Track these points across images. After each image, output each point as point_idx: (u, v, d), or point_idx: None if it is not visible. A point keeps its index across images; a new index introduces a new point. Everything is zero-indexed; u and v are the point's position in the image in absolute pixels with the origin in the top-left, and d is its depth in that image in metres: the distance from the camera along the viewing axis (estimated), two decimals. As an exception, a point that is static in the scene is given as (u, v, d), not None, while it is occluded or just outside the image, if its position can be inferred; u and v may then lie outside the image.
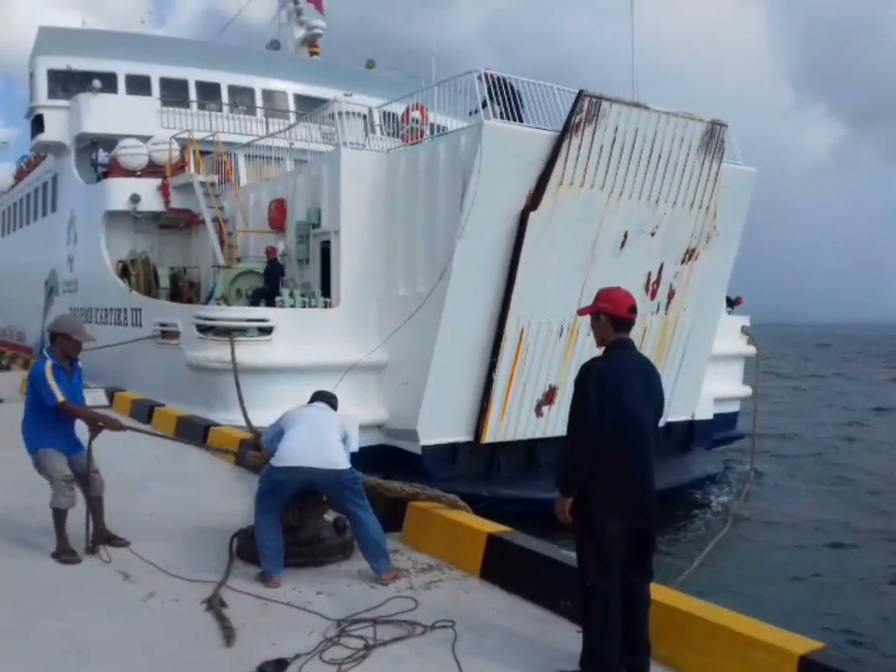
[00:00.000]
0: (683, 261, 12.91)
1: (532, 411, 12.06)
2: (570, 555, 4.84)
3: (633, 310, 4.01)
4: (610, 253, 12.00)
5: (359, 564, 5.69)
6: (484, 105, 11.12)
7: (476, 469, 11.86)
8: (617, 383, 3.80)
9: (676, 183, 12.25)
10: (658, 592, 4.27)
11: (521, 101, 11.61)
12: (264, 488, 5.48)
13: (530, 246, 11.16)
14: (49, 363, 5.65)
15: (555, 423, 12.30)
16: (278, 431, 5.63)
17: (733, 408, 16.73)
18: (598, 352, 4.10)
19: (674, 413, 13.90)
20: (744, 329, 16.93)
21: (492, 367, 11.52)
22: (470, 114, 11.79)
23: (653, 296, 12.82)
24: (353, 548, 5.84)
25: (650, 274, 12.62)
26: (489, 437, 11.75)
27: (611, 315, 3.95)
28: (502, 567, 5.29)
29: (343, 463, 5.45)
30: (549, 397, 12.15)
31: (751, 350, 16.85)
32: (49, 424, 5.69)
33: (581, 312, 4.15)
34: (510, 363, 11.61)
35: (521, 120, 11.44)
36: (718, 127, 12.41)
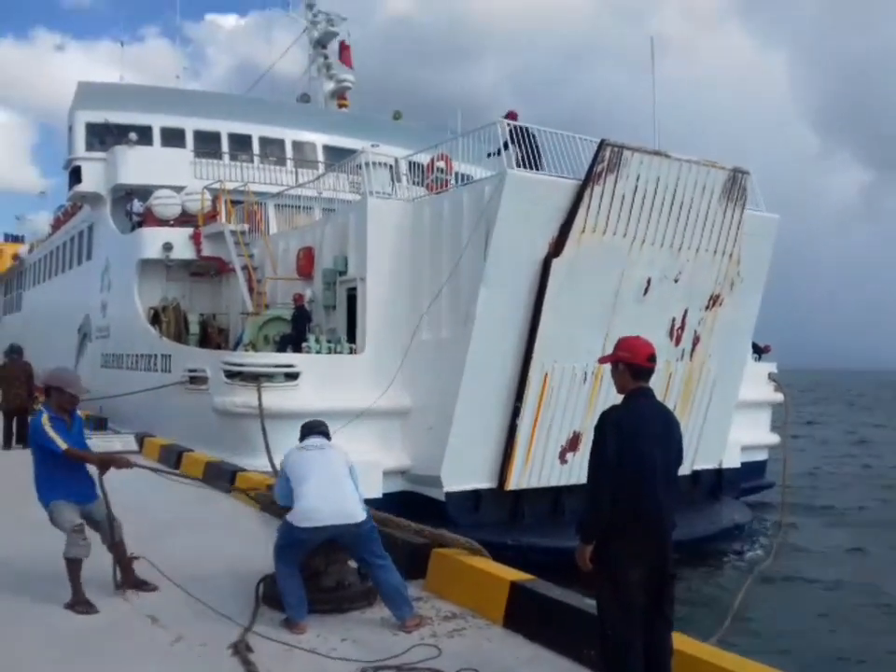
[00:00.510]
0: (707, 307, 12.93)
1: (556, 457, 12.04)
2: (594, 604, 4.84)
3: (652, 359, 4.07)
4: (634, 299, 12.07)
5: (383, 611, 5.70)
6: (506, 146, 11.34)
7: (500, 516, 11.81)
8: (634, 430, 3.86)
9: (698, 230, 12.34)
10: (682, 642, 4.25)
11: (538, 149, 11.80)
12: (283, 543, 5.44)
13: (553, 293, 11.27)
14: (45, 416, 5.73)
15: (580, 470, 12.20)
16: (286, 484, 5.59)
17: (761, 456, 16.54)
18: (620, 399, 4.17)
19: (701, 461, 13.81)
20: (771, 376, 16.80)
21: (516, 413, 11.55)
22: (489, 155, 12.08)
23: (678, 342, 12.82)
24: (377, 595, 5.86)
25: (674, 320, 12.66)
26: (513, 484, 11.72)
27: (630, 364, 4.03)
28: (526, 615, 5.27)
29: (361, 513, 5.44)
30: (573, 443, 12.13)
31: (779, 397, 16.70)
32: (59, 476, 5.73)
33: (602, 360, 4.25)
34: (533, 409, 11.63)
35: (538, 167, 11.62)
36: (740, 174, 12.53)
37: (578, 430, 12.13)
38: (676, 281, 12.40)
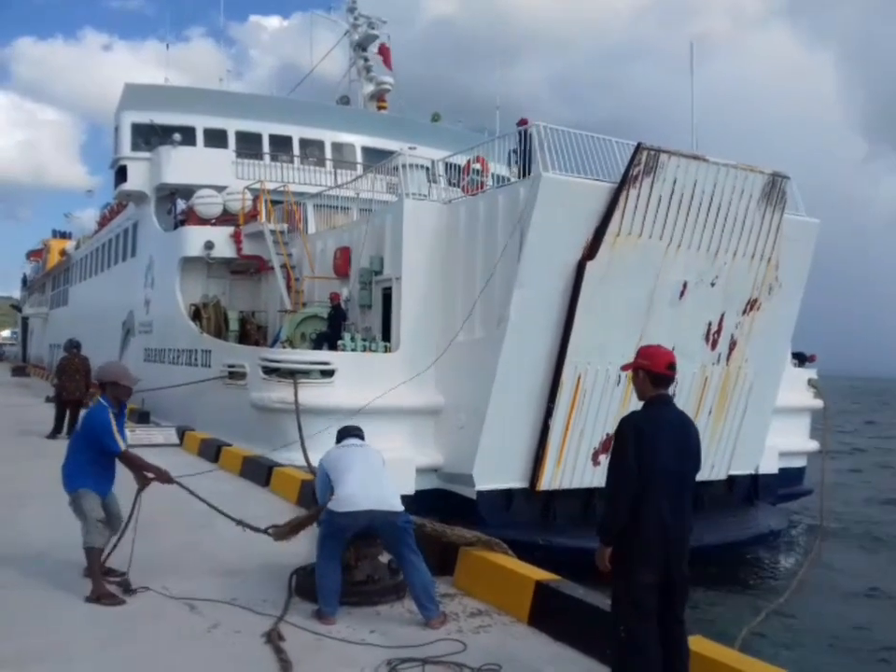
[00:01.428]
0: (745, 312, 12.84)
1: (589, 459, 12.06)
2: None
3: (671, 367, 4.15)
4: (669, 303, 12.03)
5: (411, 605, 5.82)
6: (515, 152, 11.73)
7: (531, 516, 11.87)
8: (653, 437, 3.97)
9: (736, 234, 12.26)
10: (707, 647, 4.31)
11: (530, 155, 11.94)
12: (326, 532, 5.61)
13: (587, 295, 11.30)
14: (110, 412, 5.90)
15: (612, 472, 12.25)
16: (326, 480, 5.79)
17: (799, 463, 16.33)
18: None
19: (737, 466, 13.71)
20: (811, 382, 16.57)
21: (548, 414, 11.60)
22: (509, 154, 12.56)
23: (714, 346, 12.75)
24: (405, 589, 5.98)
25: (710, 324, 12.59)
26: (545, 484, 11.78)
27: (649, 372, 4.12)
28: (550, 614, 5.36)
29: (399, 505, 5.62)
30: (606, 445, 12.12)
31: (818, 403, 16.47)
32: (93, 468, 5.90)
33: (624, 368, 4.35)
34: (566, 410, 11.67)
35: (529, 171, 11.77)
36: (779, 179, 12.41)
37: (610, 433, 12.10)
38: (712, 285, 12.34)
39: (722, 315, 12.60)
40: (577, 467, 12.00)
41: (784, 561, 13.05)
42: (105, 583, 5.87)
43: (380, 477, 5.76)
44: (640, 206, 11.38)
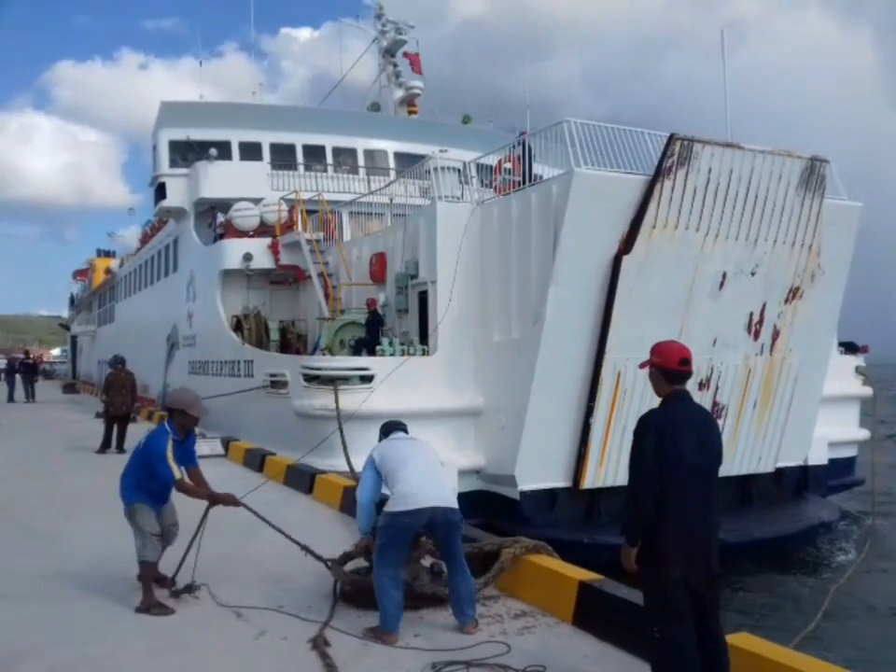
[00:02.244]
0: (787, 301, 12.58)
1: (632, 456, 11.90)
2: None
3: (684, 363, 4.11)
4: (709, 294, 11.84)
5: (454, 608, 5.82)
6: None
7: (576, 515, 11.78)
8: (673, 432, 3.93)
9: (775, 222, 12.02)
10: (758, 644, 4.24)
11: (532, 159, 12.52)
12: (387, 539, 5.29)
13: (625, 290, 11.18)
14: (170, 441, 5.92)
15: (657, 468, 12.11)
16: (376, 478, 5.54)
17: (849, 452, 15.95)
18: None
19: (784, 457, 13.46)
20: (858, 370, 16.18)
21: (589, 411, 11.51)
22: (514, 146, 13.22)
23: (756, 336, 12.52)
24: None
25: (751, 315, 12.36)
26: (588, 483, 11.68)
27: (662, 369, 4.11)
28: (594, 614, 5.32)
29: (456, 502, 5.44)
30: (649, 441, 11.97)
31: (867, 391, 16.06)
32: (149, 483, 5.95)
33: (641, 366, 4.30)
34: (607, 407, 11.56)
35: (531, 179, 12.22)
36: (818, 163, 12.14)
37: (653, 428, 11.97)
38: (752, 274, 12.11)
39: (764, 305, 12.37)
40: (620, 464, 11.85)
41: (837, 553, 12.73)
42: (157, 590, 5.96)
43: (438, 472, 5.58)
44: (676, 198, 11.23)
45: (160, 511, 6.08)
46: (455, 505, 5.38)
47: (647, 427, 3.98)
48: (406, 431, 6.00)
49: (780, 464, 13.45)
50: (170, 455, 5.84)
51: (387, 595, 5.26)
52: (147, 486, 5.98)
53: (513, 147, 13.52)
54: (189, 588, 6.13)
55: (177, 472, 5.86)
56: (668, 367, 4.10)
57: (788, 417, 13.18)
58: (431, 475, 5.43)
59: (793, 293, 12.60)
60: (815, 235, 12.41)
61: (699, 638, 3.87)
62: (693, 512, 3.92)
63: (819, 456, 14.29)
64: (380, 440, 5.92)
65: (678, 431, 3.94)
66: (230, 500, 6.14)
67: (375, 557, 5.39)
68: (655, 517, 3.88)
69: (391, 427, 6.00)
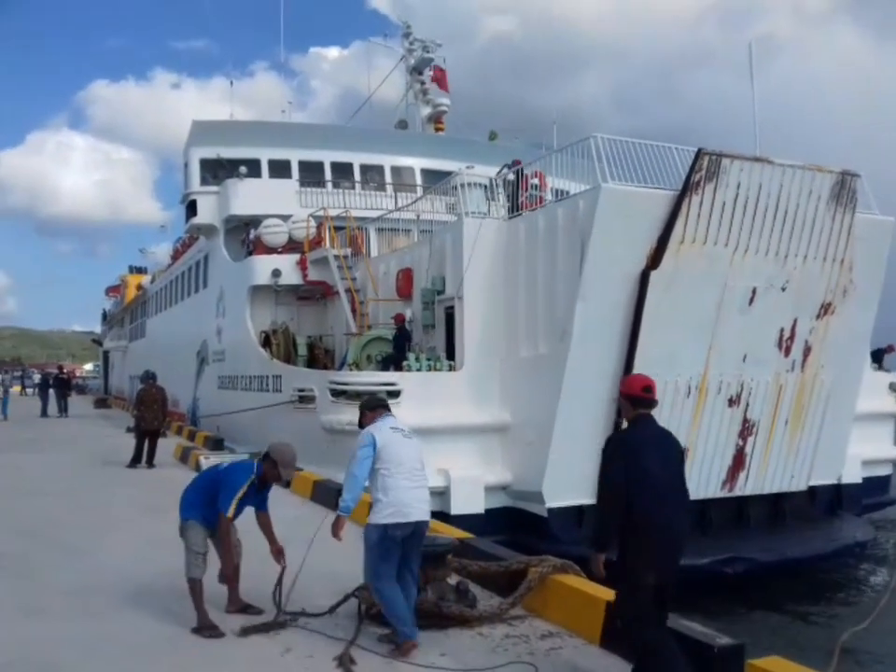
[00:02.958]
0: (818, 316, 12.41)
1: (661, 473, 11.78)
2: (689, 626, 4.78)
3: (647, 390, 4.64)
4: (738, 310, 11.73)
5: (481, 627, 5.79)
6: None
7: (604, 533, 11.64)
8: (637, 448, 4.41)
9: (805, 237, 11.89)
10: (778, 664, 4.18)
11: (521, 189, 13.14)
12: (383, 552, 5.23)
13: (652, 305, 11.10)
14: (251, 479, 5.83)
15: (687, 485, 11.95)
16: (370, 465, 5.29)
17: (884, 471, 15.64)
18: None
19: (817, 476, 13.24)
20: (892, 386, 15.89)
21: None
22: (508, 167, 13.70)
23: (787, 353, 12.35)
24: (475, 611, 5.94)
25: (782, 331, 12.21)
26: (616, 500, 11.55)
27: (628, 396, 4.66)
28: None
29: (426, 512, 5.41)
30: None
31: (903, 408, 15.76)
32: (206, 510, 5.93)
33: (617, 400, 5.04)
34: (635, 424, 11.43)
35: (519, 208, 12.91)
36: (849, 177, 12.00)
37: (683, 445, 11.82)
38: (783, 290, 11.98)
39: (795, 321, 12.21)
40: (649, 481, 11.73)
41: (872, 574, 12.45)
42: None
43: (425, 479, 5.47)
44: (704, 213, 11.16)
45: (213, 531, 6.03)
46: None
47: (614, 444, 4.51)
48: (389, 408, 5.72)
49: (813, 482, 13.23)
50: (241, 494, 5.76)
51: (398, 604, 5.26)
52: (201, 509, 5.96)
53: (506, 174, 14.05)
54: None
55: (232, 510, 5.74)
56: (633, 394, 4.64)
57: (820, 435, 12.97)
58: (421, 483, 5.41)
59: (825, 309, 12.43)
60: (846, 250, 12.25)
61: None
62: (661, 522, 4.29)
63: (852, 475, 14.05)
64: (364, 415, 5.68)
65: (642, 447, 4.40)
66: (278, 557, 6.00)
67: (372, 571, 5.31)
68: (628, 528, 4.27)
69: (376, 404, 5.77)
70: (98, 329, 69.36)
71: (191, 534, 5.95)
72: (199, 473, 6.50)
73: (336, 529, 5.53)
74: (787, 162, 11.58)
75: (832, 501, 13.73)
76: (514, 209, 13.17)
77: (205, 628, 5.76)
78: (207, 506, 5.95)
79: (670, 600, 4.41)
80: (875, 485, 14.89)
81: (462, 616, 5.85)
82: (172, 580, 6.70)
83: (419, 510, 5.30)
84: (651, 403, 4.65)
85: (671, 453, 4.56)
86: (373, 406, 5.74)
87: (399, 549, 5.30)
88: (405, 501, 5.25)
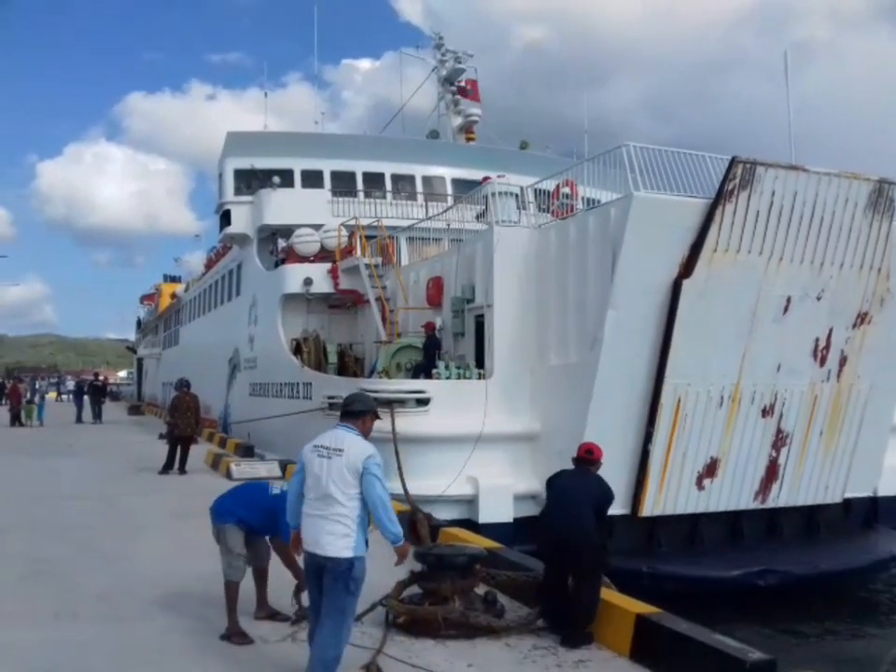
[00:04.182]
0: (855, 326, 12.18)
1: (693, 484, 11.64)
2: (720, 639, 4.71)
3: (587, 452, 6.70)
4: (773, 319, 11.55)
5: (509, 638, 5.76)
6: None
7: (635, 543, 11.52)
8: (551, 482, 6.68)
9: (842, 245, 11.69)
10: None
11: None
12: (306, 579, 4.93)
13: (685, 314, 10.98)
14: None
15: (718, 497, 11.81)
16: (296, 484, 4.91)
17: (925, 483, 15.24)
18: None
19: (853, 488, 12.96)
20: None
21: (648, 437, 11.29)
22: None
23: (823, 362, 12.14)
24: (502, 622, 5.91)
25: (817, 340, 12.01)
26: (647, 511, 11.43)
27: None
28: (652, 648, 5.18)
29: (335, 547, 4.55)
30: (710, 469, 11.69)
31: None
32: (248, 513, 5.99)
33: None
34: (667, 434, 11.33)
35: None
36: (886, 185, 11.78)
37: (715, 456, 11.69)
38: (818, 299, 11.78)
39: (831, 330, 12.00)
40: (680, 492, 11.60)
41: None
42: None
43: (330, 510, 4.61)
44: (738, 221, 11.02)
45: (249, 534, 6.08)
46: (334, 552, 4.65)
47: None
48: (357, 413, 4.97)
49: (849, 494, 12.95)
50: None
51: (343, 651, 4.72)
52: (238, 512, 6.01)
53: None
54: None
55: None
56: (576, 454, 6.74)
57: (856, 446, 12.71)
58: (322, 513, 4.70)
59: (861, 318, 12.20)
60: (884, 258, 12.02)
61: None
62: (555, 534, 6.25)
63: (890, 487, 13.71)
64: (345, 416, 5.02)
65: (553, 482, 6.71)
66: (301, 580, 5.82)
67: (348, 616, 4.69)
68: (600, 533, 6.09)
69: (344, 409, 5.04)
70: (133, 336, 70.42)
71: (228, 536, 5.98)
72: (236, 487, 6.53)
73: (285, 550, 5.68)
74: (822, 170, 11.40)
75: (867, 514, 13.44)
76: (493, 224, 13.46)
77: (235, 635, 5.79)
78: (244, 509, 6.01)
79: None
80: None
81: (489, 626, 5.83)
82: (202, 585, 6.78)
83: (314, 541, 4.65)
84: (585, 462, 6.65)
85: (576, 486, 6.40)
86: (341, 414, 5.06)
87: (313, 579, 4.77)
88: (305, 529, 4.76)
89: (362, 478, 4.60)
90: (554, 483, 6.56)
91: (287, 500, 5.16)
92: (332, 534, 4.56)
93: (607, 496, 6.38)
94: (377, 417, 5.07)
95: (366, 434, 4.90)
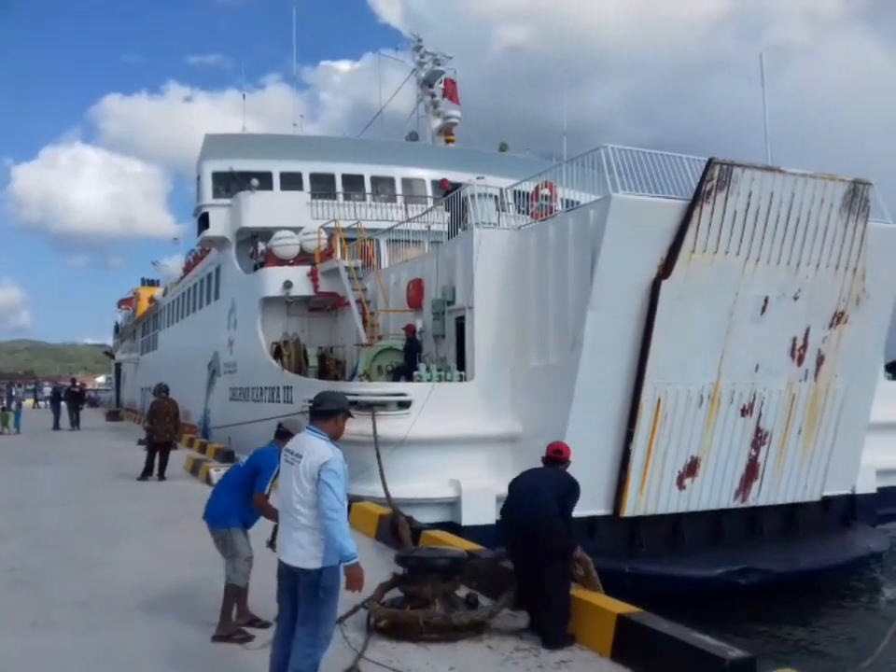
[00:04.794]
0: (831, 325, 12.32)
1: (673, 483, 11.70)
2: (700, 638, 4.73)
3: (555, 452, 6.85)
4: (750, 319, 11.66)
5: (490, 640, 5.75)
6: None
7: (616, 543, 11.56)
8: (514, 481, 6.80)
9: (818, 245, 11.82)
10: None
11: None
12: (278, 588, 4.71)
13: (664, 315, 11.05)
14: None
15: (699, 496, 11.88)
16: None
17: (900, 481, 15.43)
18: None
19: (831, 486, 13.11)
20: (908, 395, 15.67)
21: (629, 437, 11.34)
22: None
23: (800, 362, 12.27)
24: (485, 624, 5.90)
25: (795, 340, 12.13)
26: (628, 510, 11.48)
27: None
28: (633, 648, 5.19)
29: (302, 558, 4.39)
30: (691, 469, 11.77)
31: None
32: (246, 506, 5.94)
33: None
34: (647, 434, 11.39)
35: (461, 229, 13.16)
36: (861, 186, 11.93)
37: (695, 455, 11.77)
38: (795, 299, 11.91)
39: (808, 330, 12.13)
40: (661, 492, 11.66)
41: (887, 585, 12.29)
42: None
43: (299, 518, 4.42)
44: (715, 222, 11.11)
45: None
46: (304, 563, 4.46)
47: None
48: (326, 413, 4.63)
49: (827, 492, 13.10)
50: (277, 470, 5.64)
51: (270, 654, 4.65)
52: (243, 510, 5.95)
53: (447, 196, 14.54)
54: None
55: (268, 491, 5.79)
56: (545, 454, 6.90)
57: (834, 444, 12.85)
58: (290, 522, 4.55)
59: (838, 318, 12.34)
60: (859, 258, 12.16)
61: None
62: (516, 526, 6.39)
63: (867, 484, 13.89)
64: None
65: (517, 480, 6.79)
66: None
67: (323, 624, 4.46)
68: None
69: (312, 410, 4.71)
70: (110, 341, 69.74)
71: (237, 540, 5.92)
72: (221, 481, 6.43)
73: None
74: (798, 171, 11.53)
75: (846, 511, 13.59)
76: (455, 231, 14.04)
77: (237, 633, 5.80)
78: (241, 509, 5.94)
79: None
80: (890, 496, 14.68)
81: (473, 623, 5.83)
82: (182, 591, 6.72)
83: (283, 550, 4.54)
84: (551, 461, 6.81)
85: (537, 484, 6.44)
86: (310, 414, 4.78)
87: (284, 587, 4.58)
88: (280, 536, 4.68)
89: (317, 485, 4.33)
90: (518, 479, 6.70)
91: (277, 454, 5.33)
92: (299, 543, 4.39)
93: (571, 485, 6.38)
94: (349, 416, 4.72)
95: (338, 435, 4.58)
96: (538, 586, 5.95)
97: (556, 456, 6.72)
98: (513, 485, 6.66)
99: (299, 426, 5.83)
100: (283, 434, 5.97)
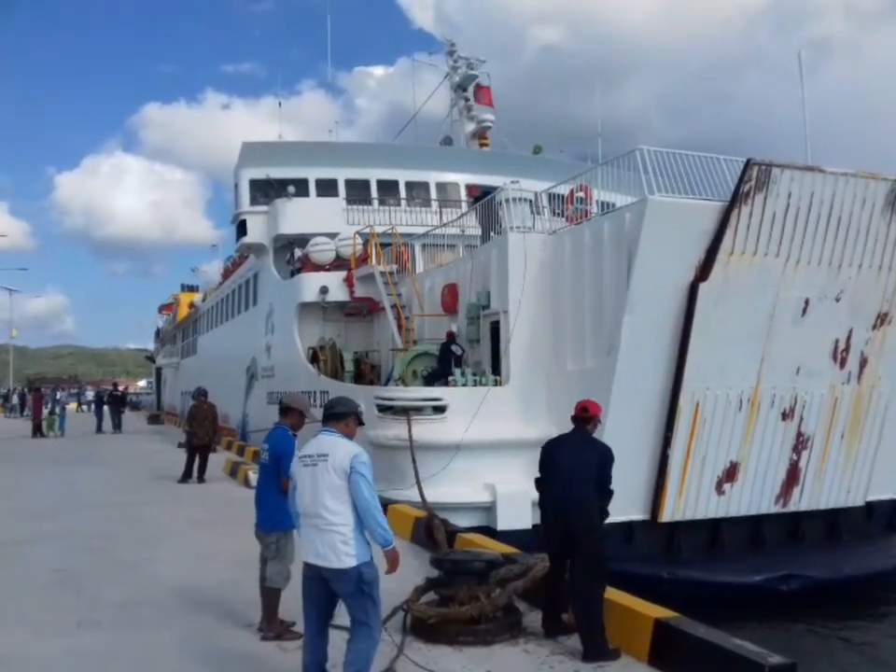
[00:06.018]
0: (875, 327, 12.06)
1: (713, 488, 11.55)
2: (739, 643, 4.67)
3: (582, 410, 6.67)
4: (791, 321, 11.47)
5: (527, 644, 5.73)
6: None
7: (655, 549, 11.46)
8: (549, 448, 6.62)
9: (860, 246, 11.58)
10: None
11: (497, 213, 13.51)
12: (302, 591, 4.80)
13: (702, 318, 10.92)
14: (296, 441, 6.04)
15: (739, 502, 11.71)
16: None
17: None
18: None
19: (875, 491, 12.82)
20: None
21: (666, 442, 11.22)
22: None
23: (843, 364, 12.03)
24: (520, 627, 5.89)
25: (837, 342, 11.90)
26: (666, 516, 11.36)
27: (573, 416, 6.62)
28: (671, 653, 5.14)
29: (338, 559, 4.45)
30: (730, 474, 11.61)
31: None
32: (284, 499, 5.74)
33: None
34: (685, 438, 11.26)
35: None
36: (904, 185, 11.66)
37: (735, 460, 11.60)
38: (837, 300, 11.68)
39: (850, 332, 11.89)
40: (700, 497, 11.52)
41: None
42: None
43: (320, 520, 4.52)
44: (754, 223, 10.95)
45: None
46: (338, 563, 4.55)
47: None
48: (339, 415, 4.88)
49: (871, 497, 12.82)
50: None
51: (303, 651, 4.81)
52: (285, 505, 5.73)
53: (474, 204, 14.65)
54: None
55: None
56: (574, 413, 6.61)
57: (878, 448, 12.58)
58: (313, 523, 4.65)
59: (881, 319, 12.08)
60: (903, 258, 11.89)
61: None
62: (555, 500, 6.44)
63: (913, 490, 13.55)
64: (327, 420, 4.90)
65: (552, 447, 6.64)
66: None
67: (373, 619, 4.58)
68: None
69: (325, 412, 4.93)
70: (151, 346, 70.96)
71: (289, 543, 5.94)
72: (258, 486, 6.47)
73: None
74: (839, 171, 11.31)
75: (891, 517, 13.27)
76: (487, 237, 14.26)
77: (285, 632, 5.87)
78: (284, 504, 5.81)
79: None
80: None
81: (507, 629, 5.81)
82: (223, 593, 6.81)
83: (314, 553, 4.57)
84: (579, 420, 6.65)
85: (578, 454, 6.39)
86: (323, 418, 4.93)
87: (312, 592, 4.66)
88: (304, 541, 4.73)
89: (350, 478, 4.50)
90: (553, 454, 6.45)
91: (288, 434, 6.01)
92: (332, 545, 4.46)
93: (603, 459, 6.27)
94: (361, 423, 4.96)
95: (350, 437, 4.81)
96: (563, 578, 5.87)
97: (583, 415, 6.56)
98: (546, 461, 6.44)
99: (301, 401, 6.41)
100: (285, 410, 6.37)
